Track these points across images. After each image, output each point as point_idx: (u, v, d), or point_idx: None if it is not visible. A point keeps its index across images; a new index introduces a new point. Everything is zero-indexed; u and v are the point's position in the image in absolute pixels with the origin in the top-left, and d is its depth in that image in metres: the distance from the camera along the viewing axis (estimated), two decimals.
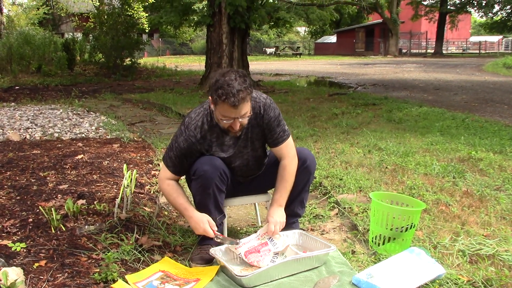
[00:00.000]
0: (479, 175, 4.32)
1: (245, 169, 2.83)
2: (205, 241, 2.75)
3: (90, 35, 18.57)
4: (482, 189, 3.88)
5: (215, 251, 2.57)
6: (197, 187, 2.66)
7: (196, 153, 2.66)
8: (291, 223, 2.94)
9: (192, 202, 2.74)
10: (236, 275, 2.33)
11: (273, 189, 2.84)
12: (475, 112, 8.30)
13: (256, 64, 23.80)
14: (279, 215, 2.70)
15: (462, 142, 5.59)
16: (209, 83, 11.34)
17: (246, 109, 2.48)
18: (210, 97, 2.53)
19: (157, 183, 4.07)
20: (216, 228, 2.63)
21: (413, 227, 2.77)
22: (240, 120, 2.50)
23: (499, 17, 39.53)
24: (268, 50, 43.37)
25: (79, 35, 23.33)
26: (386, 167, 4.54)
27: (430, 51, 41.01)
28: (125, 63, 16.68)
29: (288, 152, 2.75)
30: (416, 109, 8.24)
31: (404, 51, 41.47)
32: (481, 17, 44.04)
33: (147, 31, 19.58)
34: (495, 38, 47.18)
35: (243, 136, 2.69)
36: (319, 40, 48.76)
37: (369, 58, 35.24)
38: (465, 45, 47.12)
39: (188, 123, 2.64)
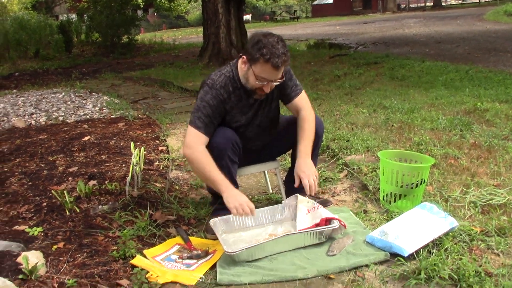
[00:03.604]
0: (486, 126, 4.31)
1: (261, 133, 2.81)
2: (218, 211, 2.78)
3: (85, 15, 18.39)
4: (490, 139, 3.88)
5: (214, 223, 2.56)
6: None
7: (221, 114, 2.61)
8: (302, 187, 2.94)
9: None
10: (226, 251, 2.30)
11: (282, 155, 2.84)
12: (478, 63, 8.21)
13: (254, 31, 23.51)
14: (308, 167, 2.61)
15: (467, 94, 5.56)
16: (209, 54, 11.33)
17: (281, 73, 2.51)
18: (244, 57, 2.51)
19: (165, 158, 4.09)
20: (253, 209, 2.50)
21: (423, 183, 2.78)
22: (273, 83, 2.52)
23: None
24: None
25: (73, 16, 23.09)
26: (392, 125, 4.53)
27: (429, 4, 40.36)
28: (122, 41, 16.52)
29: (304, 104, 2.77)
30: (418, 65, 8.16)
31: (402, 6, 40.84)
32: None
33: (141, 6, 19.37)
34: None
35: (263, 98, 2.69)
36: (316, 2, 48.02)
37: (367, 16, 34.72)
38: None
39: (212, 83, 2.58)
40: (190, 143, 2.52)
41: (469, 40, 12.49)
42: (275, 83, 2.55)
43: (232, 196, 2.46)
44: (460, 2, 43.98)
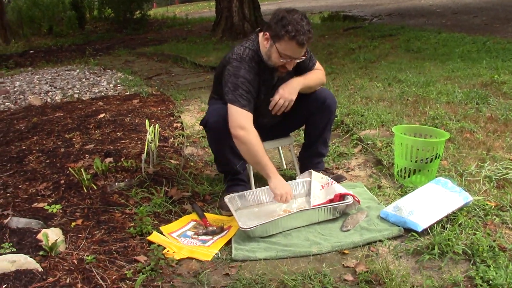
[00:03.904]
0: (503, 98, 4.25)
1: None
2: (232, 187, 2.81)
3: None
4: (507, 112, 3.84)
5: (229, 199, 2.60)
6: (210, 138, 2.75)
7: (257, 88, 2.58)
8: (316, 163, 2.98)
9: None
10: (240, 227, 2.35)
11: (295, 131, 2.84)
12: (496, 34, 8.03)
13: (268, 4, 23.24)
14: (289, 89, 2.62)
15: (484, 67, 5.46)
16: (222, 28, 11.25)
17: (304, 51, 2.51)
18: (267, 33, 2.48)
19: (180, 135, 4.12)
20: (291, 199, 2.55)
21: (438, 158, 2.77)
22: (295, 60, 2.51)
23: None
24: None
25: None
26: (407, 99, 4.49)
27: None
28: (135, 16, 16.44)
29: (319, 66, 2.82)
30: (434, 36, 8.02)
31: None
32: None
33: None
34: None
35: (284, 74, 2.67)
36: None
37: None
38: None
39: (239, 57, 2.53)
40: (242, 123, 2.44)
41: (487, 10, 12.20)
42: (298, 60, 2.54)
43: (279, 183, 2.51)
44: None
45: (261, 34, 2.57)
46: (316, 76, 2.78)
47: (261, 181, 2.88)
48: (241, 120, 2.45)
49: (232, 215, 2.53)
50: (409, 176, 2.83)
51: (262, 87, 2.62)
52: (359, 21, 12.90)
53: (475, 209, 2.41)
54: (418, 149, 2.76)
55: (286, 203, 2.55)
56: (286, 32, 2.38)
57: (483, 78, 4.93)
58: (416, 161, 2.78)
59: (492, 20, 10.09)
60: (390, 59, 6.62)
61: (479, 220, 2.34)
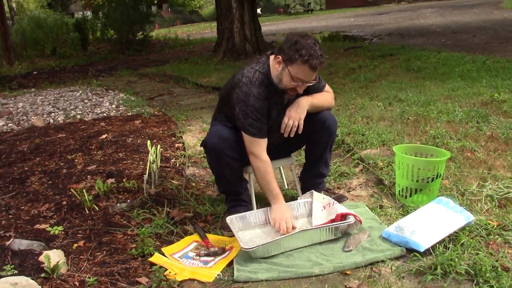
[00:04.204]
0: (503, 117, 4.27)
1: (279, 130, 2.78)
2: (233, 208, 2.81)
3: (100, 12, 18.53)
4: (507, 131, 3.85)
5: (231, 220, 2.60)
6: (210, 159, 2.77)
7: (267, 111, 2.62)
8: (317, 183, 2.99)
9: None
10: (242, 247, 2.34)
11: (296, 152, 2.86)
12: (495, 53, 8.10)
13: (268, 25, 23.47)
14: (296, 108, 2.66)
15: (484, 85, 5.50)
16: (223, 49, 11.32)
17: (316, 75, 2.57)
18: (279, 56, 2.51)
19: (182, 155, 4.13)
20: (293, 226, 2.55)
21: (439, 177, 2.77)
22: (306, 84, 2.56)
23: None
24: None
25: (88, 14, 23.29)
26: (408, 118, 4.51)
27: None
28: (137, 37, 16.62)
29: (328, 89, 2.89)
30: (434, 56, 8.09)
31: None
32: None
33: (155, 2, 19.44)
34: None
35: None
36: None
37: (382, 7, 34.40)
38: None
39: (249, 81, 2.56)
40: (253, 150, 2.60)
41: (486, 29, 12.32)
42: (308, 84, 2.58)
43: (279, 208, 2.59)
44: None
45: (272, 57, 2.61)
46: (325, 97, 2.82)
47: (263, 201, 2.89)
48: (252, 147, 2.60)
49: (233, 235, 2.52)
50: (410, 196, 2.83)
51: (272, 110, 2.65)
52: (359, 41, 13.01)
53: (477, 229, 2.41)
54: (419, 169, 2.76)
55: (282, 231, 2.53)
56: (300, 56, 2.42)
57: (483, 97, 4.95)
58: (417, 181, 2.78)
59: (491, 40, 10.18)
60: (391, 79, 6.66)
61: (482, 239, 2.34)
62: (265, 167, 2.60)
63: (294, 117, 2.64)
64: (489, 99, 4.83)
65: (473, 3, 25.20)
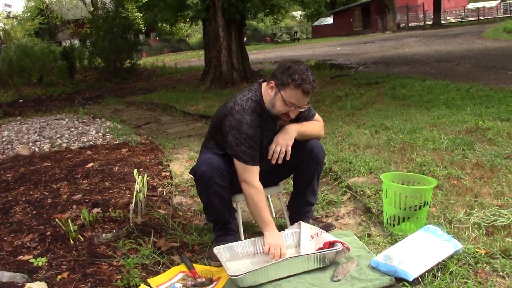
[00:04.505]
0: (488, 145, 4.32)
1: (268, 158, 2.78)
2: (221, 237, 2.79)
3: (87, 41, 18.59)
4: (492, 159, 3.88)
5: (218, 250, 2.56)
6: (199, 188, 2.76)
7: (260, 138, 2.62)
8: (305, 212, 2.97)
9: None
10: (230, 275, 2.31)
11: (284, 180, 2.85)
12: (479, 81, 8.25)
13: (255, 54, 23.74)
14: (284, 135, 2.66)
15: (469, 113, 5.57)
16: (211, 77, 11.39)
17: (307, 100, 2.59)
18: (272, 82, 2.55)
19: (169, 184, 4.10)
20: (285, 253, 2.56)
21: (427, 205, 2.78)
22: (298, 109, 2.58)
23: None
24: None
25: (76, 42, 23.37)
26: (395, 146, 4.54)
27: (429, 23, 40.52)
28: (124, 66, 16.67)
29: (318, 118, 2.90)
30: (419, 84, 8.21)
31: (402, 25, 41.11)
32: None
33: (143, 31, 19.57)
34: (493, 3, 46.53)
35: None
36: (316, 23, 48.37)
37: (367, 36, 34.98)
38: (463, 13, 46.46)
39: (242, 109, 2.57)
40: (245, 178, 2.59)
41: (469, 58, 12.56)
42: (301, 109, 2.62)
43: (272, 236, 2.57)
44: (459, 20, 44.28)
45: (264, 84, 2.64)
46: (314, 126, 2.83)
47: (251, 230, 2.86)
48: (245, 175, 2.58)
49: (221, 265, 2.49)
50: (398, 224, 2.83)
51: (265, 138, 2.66)
52: (345, 69, 13.20)
53: (466, 257, 2.41)
54: (406, 197, 2.77)
55: (276, 257, 2.50)
56: (293, 80, 2.47)
57: (468, 125, 5.01)
58: (405, 209, 2.78)
59: (474, 68, 10.38)
60: (377, 107, 6.73)
61: (470, 268, 2.33)
62: (258, 195, 2.59)
63: (282, 144, 2.65)
64: (474, 127, 4.89)
65: (456, 32, 25.74)
